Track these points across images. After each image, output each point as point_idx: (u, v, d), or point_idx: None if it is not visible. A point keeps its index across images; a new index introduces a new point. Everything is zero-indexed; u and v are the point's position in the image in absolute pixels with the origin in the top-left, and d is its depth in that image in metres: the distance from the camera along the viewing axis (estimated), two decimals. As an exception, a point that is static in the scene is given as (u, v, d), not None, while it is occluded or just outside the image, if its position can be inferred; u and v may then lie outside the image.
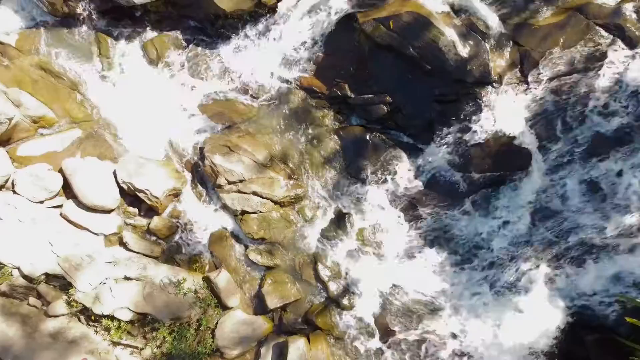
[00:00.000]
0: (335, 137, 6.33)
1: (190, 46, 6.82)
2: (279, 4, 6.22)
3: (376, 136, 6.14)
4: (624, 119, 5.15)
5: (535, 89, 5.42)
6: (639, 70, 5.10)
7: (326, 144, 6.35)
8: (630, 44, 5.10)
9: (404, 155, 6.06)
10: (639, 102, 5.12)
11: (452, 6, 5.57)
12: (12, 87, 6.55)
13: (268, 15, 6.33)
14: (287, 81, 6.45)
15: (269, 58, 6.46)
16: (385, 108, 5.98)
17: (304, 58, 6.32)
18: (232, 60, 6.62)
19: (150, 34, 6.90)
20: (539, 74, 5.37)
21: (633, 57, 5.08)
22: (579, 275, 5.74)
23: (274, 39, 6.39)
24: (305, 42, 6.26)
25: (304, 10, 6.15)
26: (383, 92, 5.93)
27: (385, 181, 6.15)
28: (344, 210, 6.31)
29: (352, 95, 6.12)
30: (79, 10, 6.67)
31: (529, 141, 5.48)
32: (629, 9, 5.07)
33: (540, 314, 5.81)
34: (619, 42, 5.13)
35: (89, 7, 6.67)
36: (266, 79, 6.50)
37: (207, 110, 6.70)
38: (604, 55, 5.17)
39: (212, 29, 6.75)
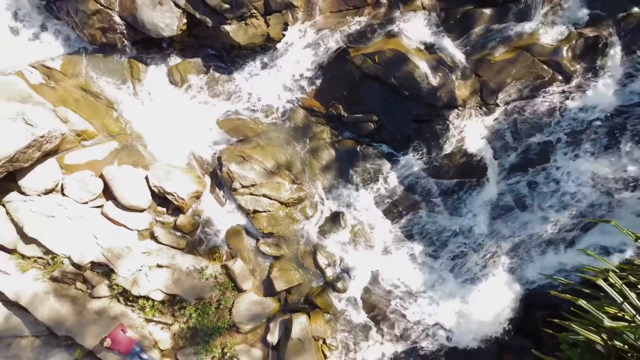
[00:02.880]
0: (331, 148, 7.32)
1: (209, 71, 7.78)
2: (285, 39, 7.19)
3: (365, 148, 7.11)
4: (560, 135, 6.27)
5: (492, 111, 6.51)
6: (572, 97, 6.22)
7: (324, 154, 7.34)
8: (566, 76, 6.20)
9: (387, 164, 7.05)
10: (572, 122, 6.25)
11: (425, 45, 6.60)
12: (58, 105, 7.53)
13: (276, 47, 7.30)
14: (291, 102, 7.43)
15: (276, 82, 7.42)
16: (372, 125, 6.99)
17: (305, 83, 7.30)
18: (245, 83, 7.59)
19: (174, 60, 7.87)
20: (495, 99, 6.44)
21: (567, 87, 6.20)
22: (530, 262, 6.83)
23: (281, 67, 7.36)
24: (306, 70, 7.24)
25: (305, 44, 7.12)
26: (371, 112, 6.92)
27: (372, 185, 7.14)
28: (339, 210, 7.28)
29: (345, 114, 7.10)
30: (115, 40, 7.67)
31: (487, 153, 6.53)
32: (564, 49, 6.16)
33: (499, 296, 6.83)
34: (557, 75, 6.23)
35: (124, 37, 7.65)
36: (274, 100, 7.47)
37: (224, 126, 7.69)
38: (545, 85, 6.27)
39: (228, 57, 7.74)
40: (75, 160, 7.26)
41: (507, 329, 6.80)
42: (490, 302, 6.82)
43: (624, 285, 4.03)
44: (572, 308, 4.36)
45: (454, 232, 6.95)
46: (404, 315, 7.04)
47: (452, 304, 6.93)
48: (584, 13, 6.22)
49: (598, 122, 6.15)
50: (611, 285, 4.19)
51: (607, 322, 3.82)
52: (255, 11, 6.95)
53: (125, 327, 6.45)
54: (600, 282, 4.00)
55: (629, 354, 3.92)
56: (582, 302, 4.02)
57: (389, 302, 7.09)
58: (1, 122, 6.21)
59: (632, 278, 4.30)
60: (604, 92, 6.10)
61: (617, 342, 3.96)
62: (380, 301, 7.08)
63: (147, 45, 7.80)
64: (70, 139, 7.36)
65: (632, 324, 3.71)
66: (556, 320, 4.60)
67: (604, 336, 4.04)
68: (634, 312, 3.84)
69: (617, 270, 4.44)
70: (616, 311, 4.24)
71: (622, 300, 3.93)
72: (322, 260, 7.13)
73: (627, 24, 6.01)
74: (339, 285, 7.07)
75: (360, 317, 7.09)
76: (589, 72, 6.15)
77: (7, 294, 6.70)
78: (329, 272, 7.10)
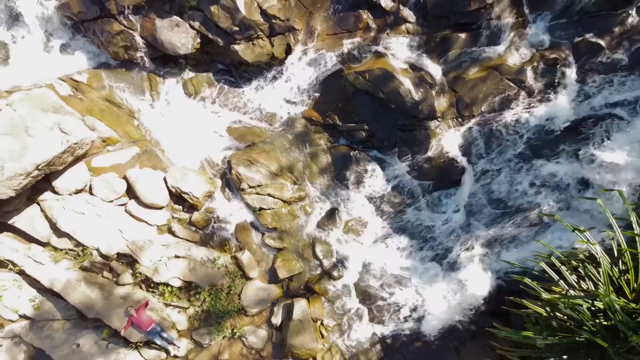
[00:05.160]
0: (328, 153, 8.05)
1: (220, 84, 8.55)
2: (288, 58, 7.92)
3: (358, 153, 7.85)
4: (525, 142, 7.11)
5: (466, 122, 7.32)
6: (535, 109, 7.07)
7: (321, 159, 8.09)
8: (529, 92, 7.03)
9: (377, 167, 7.80)
10: (535, 130, 7.07)
11: (409, 64, 7.37)
12: (86, 115, 8.30)
13: (280, 65, 8.05)
14: (292, 112, 8.15)
15: (279, 95, 8.14)
16: (364, 133, 7.73)
17: (305, 96, 8.03)
18: (251, 95, 8.34)
19: (189, 74, 8.64)
20: (469, 112, 7.25)
21: (530, 102, 7.05)
22: (502, 253, 7.65)
23: (284, 82, 8.09)
24: (306, 85, 7.97)
25: (306, 62, 7.85)
26: (362, 122, 7.66)
27: (364, 186, 7.88)
28: (335, 207, 8.02)
29: (340, 124, 7.83)
30: (135, 57, 8.46)
31: (463, 158, 7.31)
32: (528, 69, 6.97)
33: (475, 282, 7.61)
34: (522, 91, 7.04)
35: (144, 55, 8.46)
36: (277, 110, 8.19)
37: (233, 133, 8.45)
38: (512, 100, 7.06)
39: (236, 72, 8.52)
40: (101, 163, 8.02)
41: (481, 311, 7.55)
42: (467, 288, 7.51)
43: (562, 266, 4.90)
44: (522, 288, 5.22)
45: (435, 226, 7.73)
46: (391, 300, 7.79)
47: (434, 289, 7.66)
48: (545, 38, 7.04)
49: (556, 131, 7.00)
50: (557, 269, 5.06)
51: (544, 295, 4.70)
52: (261, 33, 7.76)
53: (149, 303, 7.23)
54: (542, 264, 4.87)
55: (568, 323, 4.80)
56: (527, 280, 4.88)
57: (378, 288, 7.84)
58: (41, 131, 7.01)
59: (574, 262, 5.18)
60: (561, 105, 6.93)
61: (558, 314, 4.85)
62: (371, 287, 7.84)
63: (164, 61, 8.58)
64: (96, 144, 8.14)
65: (563, 296, 4.58)
66: (511, 297, 5.47)
67: (547, 309, 4.93)
68: (567, 287, 4.72)
69: (562, 256, 5.32)
70: (560, 289, 5.12)
71: (558, 278, 4.80)
72: (319, 252, 7.85)
73: (581, 48, 6.86)
74: (335, 273, 7.81)
75: (353, 301, 7.84)
76: (548, 89, 6.96)
77: (42, 282, 7.49)
78: (326, 262, 7.83)
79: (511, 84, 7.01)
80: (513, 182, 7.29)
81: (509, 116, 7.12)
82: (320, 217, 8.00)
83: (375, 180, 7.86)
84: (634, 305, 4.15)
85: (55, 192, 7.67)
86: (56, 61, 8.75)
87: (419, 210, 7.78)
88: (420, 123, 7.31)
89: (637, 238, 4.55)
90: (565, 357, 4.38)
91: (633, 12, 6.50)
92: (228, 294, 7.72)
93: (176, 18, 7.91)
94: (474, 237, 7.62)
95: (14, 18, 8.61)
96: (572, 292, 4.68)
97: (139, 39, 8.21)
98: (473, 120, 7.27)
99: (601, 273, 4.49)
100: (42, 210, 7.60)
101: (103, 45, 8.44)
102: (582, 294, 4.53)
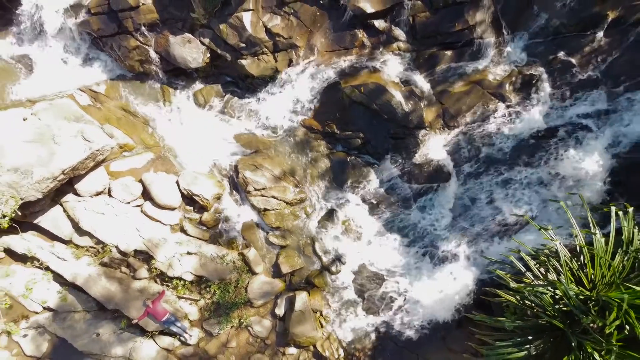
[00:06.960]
0: (327, 159, 8.59)
1: (228, 95, 9.10)
2: (291, 72, 8.48)
3: (354, 159, 8.38)
4: (504, 149, 7.73)
5: (452, 131, 7.93)
6: (513, 120, 7.71)
7: (321, 164, 8.62)
8: (508, 105, 7.62)
9: (372, 172, 8.35)
10: (513, 139, 7.68)
11: (400, 78, 7.96)
12: (104, 123, 8.86)
13: (282, 78, 8.56)
14: (294, 121, 8.68)
15: (282, 106, 8.66)
16: (359, 141, 8.27)
17: (305, 107, 8.56)
18: (257, 106, 8.87)
19: (199, 85, 9.17)
20: (454, 122, 7.85)
21: (509, 113, 7.68)
22: (484, 249, 8.27)
23: (286, 93, 8.59)
24: (307, 97, 8.50)
25: (306, 76, 8.38)
26: (358, 130, 8.20)
27: (359, 189, 8.44)
28: (333, 208, 8.55)
29: (338, 132, 8.36)
30: (150, 70, 9.06)
31: (449, 163, 7.90)
32: (507, 83, 7.58)
33: (461, 277, 8.15)
34: (501, 104, 7.64)
35: (157, 68, 9.03)
36: (280, 119, 8.71)
37: (240, 140, 8.99)
38: (492, 112, 7.66)
39: (243, 84, 9.10)
40: (119, 168, 8.55)
41: (466, 302, 8.08)
42: (454, 281, 8.03)
43: (530, 260, 5.54)
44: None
45: (424, 225, 8.27)
46: (385, 293, 8.31)
47: (423, 282, 8.17)
48: (522, 55, 7.66)
49: (532, 139, 7.64)
50: (527, 263, 5.69)
51: (512, 284, 5.34)
52: (266, 49, 8.37)
53: (165, 293, 7.77)
54: (512, 257, 5.51)
55: (535, 310, 5.44)
56: (499, 272, 5.52)
57: (373, 282, 8.37)
58: (67, 139, 7.60)
59: (542, 257, 5.83)
60: (536, 116, 7.55)
61: (526, 301, 5.49)
62: (366, 281, 8.37)
63: (176, 73, 9.12)
64: (115, 150, 8.69)
65: (528, 285, 5.22)
66: (487, 288, 6.11)
67: (517, 297, 5.57)
68: (533, 278, 5.37)
69: (531, 251, 5.95)
70: (529, 280, 5.76)
71: (525, 269, 5.44)
72: (319, 249, 8.36)
73: (554, 65, 7.50)
74: (333, 268, 8.31)
75: (350, 294, 8.37)
76: (525, 101, 7.56)
77: (65, 276, 8.05)
78: (325, 259, 8.34)
79: (492, 97, 7.62)
80: (494, 185, 7.93)
81: (489, 126, 7.73)
82: (320, 217, 8.52)
83: (370, 183, 8.40)
84: (587, 292, 4.80)
85: (77, 194, 8.22)
86: (76, 73, 9.31)
87: (410, 211, 8.34)
88: (411, 132, 7.87)
89: (594, 237, 5.20)
90: (530, 337, 5.02)
91: (600, 34, 7.16)
92: (236, 287, 8.24)
93: (188, 35, 8.52)
94: (460, 235, 8.18)
95: (38, 33, 9.19)
96: (537, 282, 5.32)
97: (153, 54, 8.80)
98: (458, 130, 7.86)
99: (562, 266, 5.13)
100: (64, 210, 8.15)
101: (120, 59, 9.03)
102: (545, 283, 5.17)
